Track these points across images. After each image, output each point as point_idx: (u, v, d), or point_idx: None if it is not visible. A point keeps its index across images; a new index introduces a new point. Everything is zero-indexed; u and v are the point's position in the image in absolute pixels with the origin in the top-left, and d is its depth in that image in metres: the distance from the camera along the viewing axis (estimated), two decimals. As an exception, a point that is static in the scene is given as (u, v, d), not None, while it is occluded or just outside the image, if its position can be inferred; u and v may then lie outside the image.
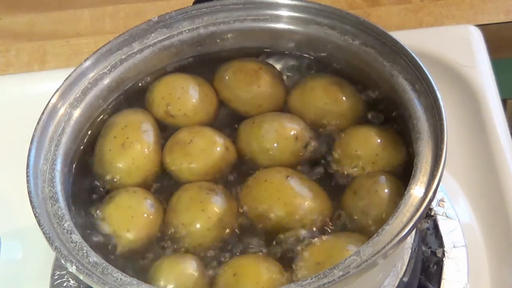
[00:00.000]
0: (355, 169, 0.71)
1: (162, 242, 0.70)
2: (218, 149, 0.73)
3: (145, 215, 0.70)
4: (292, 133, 0.73)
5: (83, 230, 0.69)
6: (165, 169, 0.74)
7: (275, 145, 0.73)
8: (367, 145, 0.72)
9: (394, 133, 0.73)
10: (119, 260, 0.68)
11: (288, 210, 0.68)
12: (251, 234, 0.69)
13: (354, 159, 0.71)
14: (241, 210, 0.70)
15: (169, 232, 0.70)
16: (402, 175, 0.69)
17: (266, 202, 0.69)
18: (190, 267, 0.67)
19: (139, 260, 0.69)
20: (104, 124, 0.76)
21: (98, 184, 0.73)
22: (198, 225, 0.68)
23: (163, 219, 0.71)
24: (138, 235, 0.69)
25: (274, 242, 0.68)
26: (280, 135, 0.73)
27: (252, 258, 0.67)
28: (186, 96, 0.77)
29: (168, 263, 0.67)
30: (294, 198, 0.69)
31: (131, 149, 0.73)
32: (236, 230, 0.69)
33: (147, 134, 0.74)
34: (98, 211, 0.71)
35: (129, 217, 0.69)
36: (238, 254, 0.68)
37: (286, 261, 0.67)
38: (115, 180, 0.72)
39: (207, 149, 0.73)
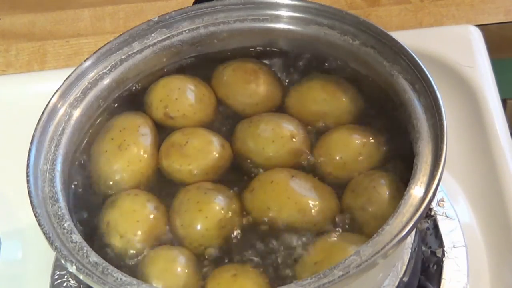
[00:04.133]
0: (354, 164, 0.71)
1: (166, 244, 0.69)
2: (215, 147, 0.73)
3: (149, 218, 0.70)
4: (288, 132, 0.73)
5: (85, 233, 0.69)
6: (163, 172, 0.74)
7: (272, 144, 0.73)
8: (365, 140, 0.72)
9: (387, 129, 0.73)
10: (123, 263, 0.68)
11: (300, 208, 0.68)
12: (253, 233, 0.69)
13: (352, 154, 0.71)
14: (247, 214, 0.70)
15: (172, 234, 0.70)
16: (402, 175, 0.69)
17: (275, 203, 0.69)
18: (178, 259, 0.67)
19: (143, 262, 0.68)
20: (103, 126, 0.76)
21: (96, 185, 0.73)
22: (196, 226, 0.68)
23: (166, 220, 0.71)
24: (143, 239, 0.69)
25: (279, 242, 0.68)
26: (276, 134, 0.73)
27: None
28: (183, 96, 0.77)
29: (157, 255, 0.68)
30: (304, 197, 0.69)
31: (127, 151, 0.73)
32: (237, 229, 0.69)
33: (145, 137, 0.74)
34: (100, 214, 0.70)
35: (135, 222, 0.69)
36: (239, 255, 0.68)
37: (287, 261, 0.67)
38: (110, 182, 0.72)
39: (204, 149, 0.73)
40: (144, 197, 0.71)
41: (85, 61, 0.76)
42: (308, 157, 0.73)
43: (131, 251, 0.69)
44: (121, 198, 0.71)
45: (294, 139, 0.73)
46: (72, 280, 0.81)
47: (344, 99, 0.76)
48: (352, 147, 0.72)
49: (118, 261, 0.68)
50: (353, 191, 0.70)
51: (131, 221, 0.69)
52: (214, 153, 0.73)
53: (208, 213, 0.69)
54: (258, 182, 0.71)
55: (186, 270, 0.66)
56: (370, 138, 0.72)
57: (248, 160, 0.73)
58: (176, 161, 0.73)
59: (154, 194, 0.72)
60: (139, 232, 0.69)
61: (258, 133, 0.73)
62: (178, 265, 0.67)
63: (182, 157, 0.73)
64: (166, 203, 0.72)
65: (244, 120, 0.76)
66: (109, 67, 0.77)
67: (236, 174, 0.73)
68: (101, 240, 0.69)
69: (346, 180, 0.71)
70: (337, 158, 0.72)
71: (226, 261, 0.68)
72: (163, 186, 0.73)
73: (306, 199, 0.69)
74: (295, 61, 0.80)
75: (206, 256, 0.68)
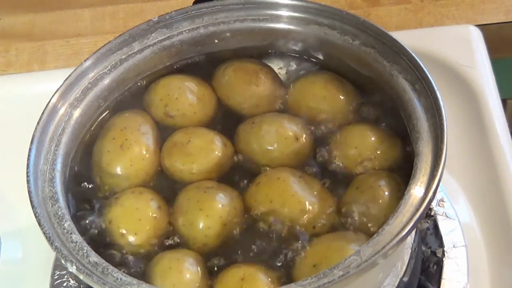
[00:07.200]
0: (356, 165, 0.71)
1: (168, 244, 0.70)
2: (217, 146, 0.73)
3: (152, 217, 0.70)
4: (291, 133, 0.73)
5: (86, 232, 0.69)
6: (166, 172, 0.74)
7: (275, 145, 0.73)
8: (366, 140, 0.72)
9: (387, 129, 0.73)
10: (125, 261, 0.68)
11: (302, 208, 0.68)
12: (255, 231, 0.69)
13: (354, 155, 0.71)
14: (249, 207, 0.70)
15: (174, 234, 0.70)
16: (402, 175, 0.69)
17: (279, 198, 0.69)
18: (187, 263, 0.67)
19: (145, 262, 0.68)
20: (103, 126, 0.76)
21: (97, 184, 0.73)
22: (198, 225, 0.68)
23: (168, 220, 0.71)
24: (145, 237, 0.69)
25: (279, 240, 0.68)
26: (280, 135, 0.73)
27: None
28: (183, 96, 0.77)
29: (166, 259, 0.68)
30: (308, 197, 0.69)
31: (130, 151, 0.73)
32: (240, 227, 0.69)
33: (146, 136, 0.74)
34: (103, 212, 0.70)
35: (137, 220, 0.69)
36: (243, 253, 0.68)
37: (287, 260, 0.67)
38: (113, 181, 0.72)
39: (206, 147, 0.73)
40: (148, 196, 0.71)
41: (85, 61, 0.76)
42: (311, 154, 0.73)
43: (133, 249, 0.69)
44: (125, 195, 0.71)
45: (297, 139, 0.73)
46: (72, 280, 0.81)
47: (344, 98, 0.76)
48: (369, 140, 0.72)
49: (120, 258, 0.68)
50: (357, 188, 0.70)
51: (133, 219, 0.69)
52: (216, 151, 0.73)
53: (209, 212, 0.69)
54: (265, 177, 0.71)
55: (192, 272, 0.66)
56: (389, 137, 0.72)
57: (252, 161, 0.73)
58: (179, 160, 0.73)
59: (158, 193, 0.72)
60: (141, 231, 0.69)
61: (261, 134, 0.73)
62: (184, 267, 0.67)
63: (184, 156, 0.73)
64: (169, 203, 0.72)
65: (246, 121, 0.76)
66: (109, 67, 0.77)
67: (239, 173, 0.73)
68: (104, 238, 0.69)
69: (353, 176, 0.71)
70: (354, 148, 0.72)
71: (231, 260, 0.68)
72: (166, 186, 0.73)
73: (310, 200, 0.69)
74: (295, 61, 0.80)
75: (211, 256, 0.68)
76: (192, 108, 0.77)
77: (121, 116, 0.76)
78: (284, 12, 0.78)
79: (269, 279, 0.65)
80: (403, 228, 0.61)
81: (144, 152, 0.73)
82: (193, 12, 0.79)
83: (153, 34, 0.79)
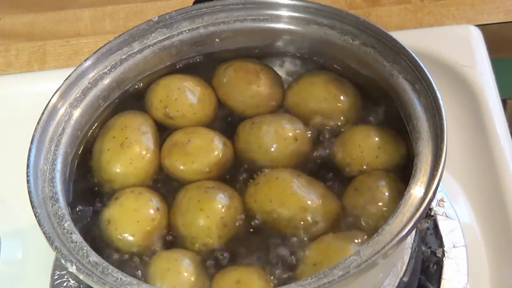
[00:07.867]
0: (358, 165, 0.71)
1: (167, 244, 0.69)
2: (217, 145, 0.73)
3: (151, 218, 0.69)
4: (291, 133, 0.73)
5: (85, 232, 0.69)
6: (166, 172, 0.74)
7: (275, 146, 0.73)
8: (369, 140, 0.72)
9: (392, 131, 0.73)
10: (124, 261, 0.68)
11: (302, 206, 0.68)
12: (255, 232, 0.69)
13: (357, 155, 0.71)
14: (248, 207, 0.70)
15: (173, 234, 0.70)
16: (402, 175, 0.69)
17: (278, 197, 0.69)
18: (184, 262, 0.67)
19: (144, 261, 0.68)
20: (104, 126, 0.76)
21: (97, 184, 0.73)
22: (198, 225, 0.68)
23: (167, 220, 0.71)
24: (144, 238, 0.69)
25: (279, 240, 0.68)
26: (279, 136, 0.73)
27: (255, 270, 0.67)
28: (183, 97, 0.77)
29: (163, 258, 0.68)
30: (307, 195, 0.69)
31: (130, 149, 0.73)
32: (240, 228, 0.69)
33: (146, 135, 0.74)
34: (103, 211, 0.70)
35: (135, 221, 0.69)
36: (242, 254, 0.68)
37: (287, 261, 0.67)
38: (113, 180, 0.72)
39: (206, 147, 0.73)
40: (148, 196, 0.71)
41: (85, 61, 0.76)
42: (311, 155, 0.73)
43: (131, 250, 0.69)
44: (125, 195, 0.71)
45: (296, 140, 0.73)
46: (72, 280, 0.81)
47: (344, 98, 0.76)
48: (369, 141, 0.72)
49: (119, 258, 0.68)
50: (356, 189, 0.70)
51: (132, 220, 0.69)
52: (216, 151, 0.73)
53: (210, 212, 0.69)
54: (264, 177, 0.71)
55: (190, 272, 0.66)
56: (389, 137, 0.72)
57: (251, 161, 0.73)
58: (179, 160, 0.73)
59: (158, 193, 0.72)
60: (139, 231, 0.69)
61: (261, 135, 0.73)
62: (182, 266, 0.67)
63: (185, 156, 0.73)
64: (168, 203, 0.72)
65: (245, 121, 0.76)
66: (109, 67, 0.77)
67: (238, 173, 0.73)
68: (102, 238, 0.69)
69: (353, 177, 0.71)
70: (354, 148, 0.72)
71: (230, 261, 0.68)
72: (165, 185, 0.73)
73: (310, 198, 0.69)
74: (295, 61, 0.80)
75: (209, 256, 0.68)
76: (191, 109, 0.77)
77: (121, 115, 0.76)
78: (284, 12, 0.78)
79: (266, 282, 0.65)
80: (403, 228, 0.61)
81: (144, 151, 0.73)
82: (193, 12, 0.79)
83: (153, 34, 0.78)
